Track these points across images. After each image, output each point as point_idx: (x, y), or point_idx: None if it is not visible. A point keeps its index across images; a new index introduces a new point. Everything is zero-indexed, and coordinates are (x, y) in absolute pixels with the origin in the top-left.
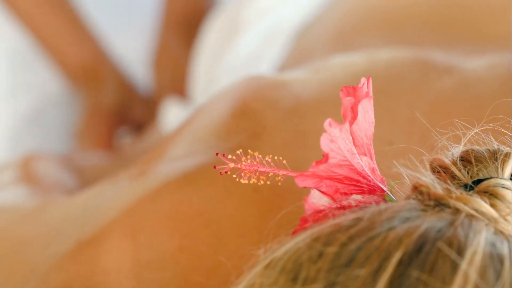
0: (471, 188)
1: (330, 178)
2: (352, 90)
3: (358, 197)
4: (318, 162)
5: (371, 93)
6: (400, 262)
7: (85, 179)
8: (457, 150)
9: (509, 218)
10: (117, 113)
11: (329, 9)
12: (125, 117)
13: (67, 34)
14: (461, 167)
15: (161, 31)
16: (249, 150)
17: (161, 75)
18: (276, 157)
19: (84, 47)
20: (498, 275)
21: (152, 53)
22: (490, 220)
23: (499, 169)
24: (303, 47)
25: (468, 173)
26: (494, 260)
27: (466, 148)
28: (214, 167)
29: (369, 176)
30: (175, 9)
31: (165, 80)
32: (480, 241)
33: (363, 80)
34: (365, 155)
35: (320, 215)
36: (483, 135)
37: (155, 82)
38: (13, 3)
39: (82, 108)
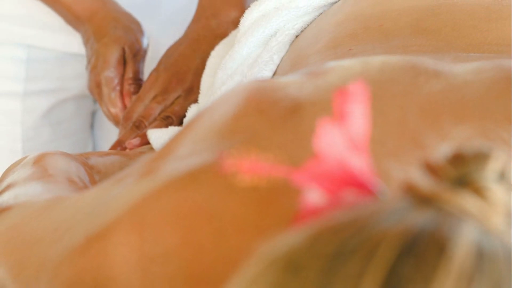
0: (460, 186)
1: (326, 177)
2: (346, 91)
3: (352, 195)
4: (314, 161)
5: (365, 94)
6: (393, 258)
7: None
8: (446, 149)
9: (495, 215)
10: (124, 51)
11: (324, 16)
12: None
13: None
14: (450, 166)
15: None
16: (250, 150)
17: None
18: (275, 157)
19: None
20: (483, 270)
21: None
22: (477, 217)
23: (487, 167)
24: (298, 52)
25: (456, 171)
26: (480, 257)
27: (454, 147)
28: (216, 166)
29: (363, 175)
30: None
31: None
32: (466, 238)
33: (357, 82)
34: (360, 154)
35: (315, 213)
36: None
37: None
38: None
39: (90, 52)
